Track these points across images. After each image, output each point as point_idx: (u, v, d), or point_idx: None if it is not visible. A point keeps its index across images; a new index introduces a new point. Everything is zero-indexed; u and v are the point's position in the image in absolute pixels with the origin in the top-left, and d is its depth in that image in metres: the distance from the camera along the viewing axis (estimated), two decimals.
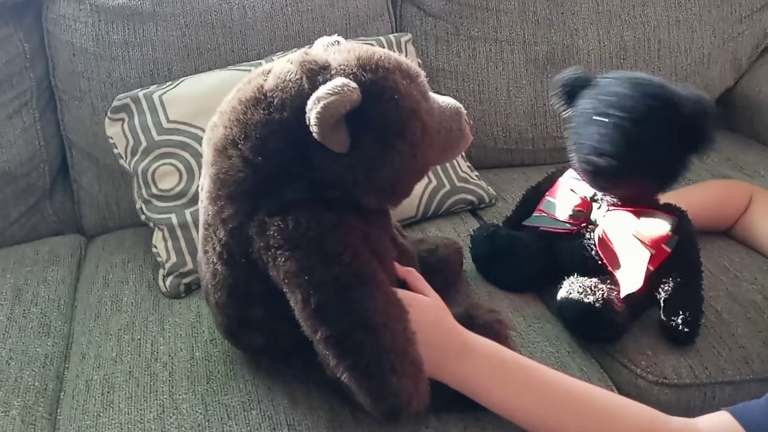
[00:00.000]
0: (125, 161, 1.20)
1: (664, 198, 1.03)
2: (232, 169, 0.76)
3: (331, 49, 0.78)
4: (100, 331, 1.03)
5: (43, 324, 1.07)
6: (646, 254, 0.95)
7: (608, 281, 0.98)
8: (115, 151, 1.21)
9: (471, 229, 1.15)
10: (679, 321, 0.96)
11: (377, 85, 0.73)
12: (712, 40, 1.56)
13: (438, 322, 0.81)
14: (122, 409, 0.88)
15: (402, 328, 0.74)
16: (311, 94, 0.70)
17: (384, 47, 1.33)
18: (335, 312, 0.72)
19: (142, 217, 1.19)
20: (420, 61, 1.44)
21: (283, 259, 0.73)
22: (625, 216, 0.98)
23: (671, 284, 0.97)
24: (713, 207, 1.19)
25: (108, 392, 0.91)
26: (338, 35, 0.85)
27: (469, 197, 1.31)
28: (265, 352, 0.89)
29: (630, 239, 0.96)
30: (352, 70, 0.73)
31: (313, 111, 0.69)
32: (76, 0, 1.30)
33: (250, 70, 1.21)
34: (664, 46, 1.52)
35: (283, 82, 0.74)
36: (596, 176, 0.96)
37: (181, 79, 1.24)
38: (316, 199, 0.75)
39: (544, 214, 1.07)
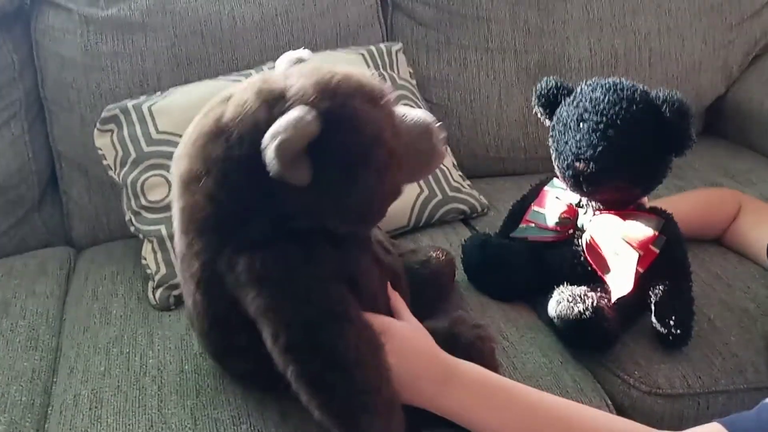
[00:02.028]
0: (114, 172, 1.19)
1: (654, 205, 1.03)
2: (197, 205, 0.74)
3: (291, 72, 0.75)
4: (89, 345, 1.02)
5: (30, 338, 1.06)
6: (634, 255, 0.95)
7: (598, 289, 0.98)
8: (105, 162, 1.20)
9: (463, 239, 1.15)
10: (671, 323, 0.96)
11: (336, 114, 0.69)
12: (702, 48, 1.56)
13: (418, 350, 0.79)
14: (110, 424, 0.87)
15: (375, 365, 0.72)
16: (268, 127, 0.67)
17: (375, 56, 1.34)
18: (305, 351, 0.70)
19: (132, 228, 1.18)
20: (411, 70, 1.44)
21: (252, 296, 0.72)
22: (611, 219, 0.98)
23: (660, 287, 0.97)
24: (702, 215, 1.19)
25: (96, 407, 0.90)
26: (305, 49, 0.83)
27: (461, 207, 1.31)
28: (251, 378, 0.87)
29: (618, 242, 0.96)
30: (309, 98, 0.69)
31: (269, 148, 0.66)
32: (65, 11, 1.30)
33: (240, 80, 1.21)
34: (654, 54, 1.53)
35: (240, 114, 0.71)
36: (579, 182, 0.96)
37: (170, 90, 1.24)
38: (284, 231, 0.73)
39: (531, 224, 1.07)
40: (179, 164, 0.77)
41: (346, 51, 1.35)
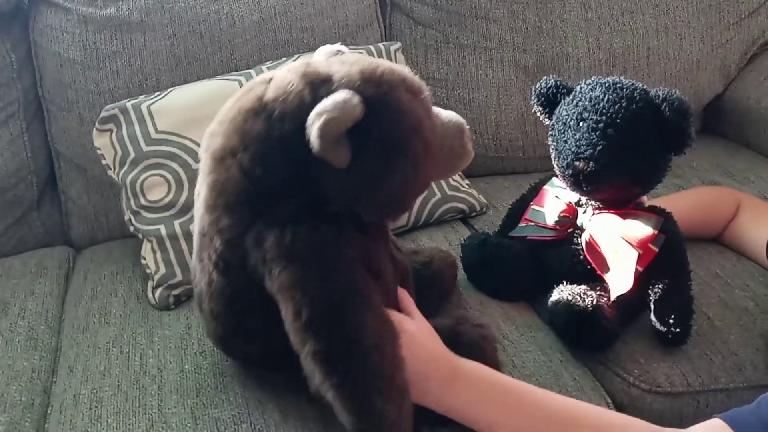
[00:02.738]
0: (113, 172, 1.19)
1: (653, 203, 1.03)
2: (230, 180, 0.75)
3: (334, 60, 0.76)
4: (88, 345, 1.02)
5: (30, 338, 1.06)
6: (634, 254, 0.95)
7: (598, 287, 0.98)
8: (104, 162, 1.20)
9: (462, 238, 1.15)
10: (670, 322, 0.96)
11: (380, 101, 0.71)
12: (700, 47, 1.56)
13: (426, 350, 0.79)
14: (110, 423, 0.87)
15: (391, 352, 0.73)
16: (312, 107, 0.68)
17: (374, 56, 1.33)
18: (326, 327, 0.70)
19: (131, 228, 1.18)
20: (410, 69, 1.44)
21: (278, 270, 0.72)
22: (610, 218, 0.98)
23: (660, 286, 0.97)
24: (702, 213, 1.19)
25: (96, 407, 0.90)
26: (341, 44, 0.85)
27: (460, 206, 1.31)
28: (259, 362, 0.87)
29: (617, 241, 0.96)
30: (355, 83, 0.71)
31: (314, 126, 0.67)
32: (63, 10, 1.30)
33: (239, 80, 1.22)
34: (653, 53, 1.53)
35: (284, 93, 0.72)
36: (579, 181, 0.96)
37: (169, 90, 1.23)
38: (315, 213, 0.74)
39: (530, 223, 1.08)
40: (213, 140, 0.77)
41: (357, 54, 1.35)
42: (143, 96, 1.22)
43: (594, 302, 0.94)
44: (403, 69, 0.77)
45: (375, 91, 0.71)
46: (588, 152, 0.93)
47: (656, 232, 0.96)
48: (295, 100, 0.72)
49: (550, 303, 0.99)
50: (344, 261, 0.73)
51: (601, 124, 0.92)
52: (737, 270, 1.13)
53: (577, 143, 0.94)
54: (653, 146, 0.94)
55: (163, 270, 1.11)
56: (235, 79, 1.23)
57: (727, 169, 1.46)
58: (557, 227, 1.04)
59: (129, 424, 0.87)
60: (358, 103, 0.68)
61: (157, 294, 1.10)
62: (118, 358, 0.98)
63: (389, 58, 1.36)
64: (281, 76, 0.75)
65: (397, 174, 0.72)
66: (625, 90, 0.94)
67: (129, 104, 1.19)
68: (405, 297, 0.85)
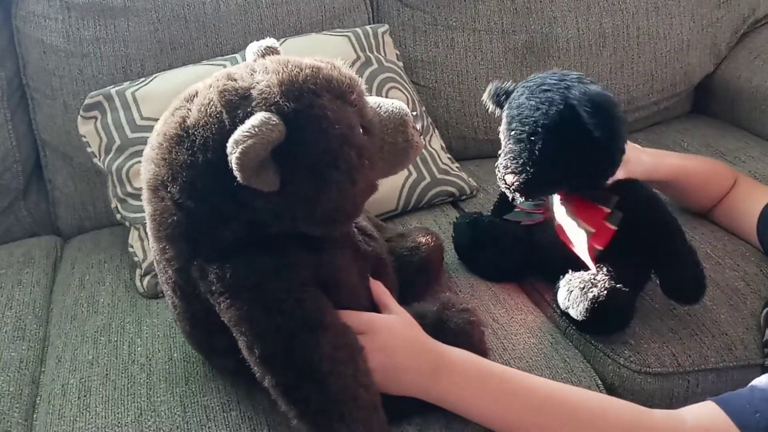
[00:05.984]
0: (99, 160, 1.18)
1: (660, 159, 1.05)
2: (166, 212, 0.73)
3: (259, 65, 0.72)
4: (77, 334, 1.02)
5: (17, 328, 1.05)
6: (583, 234, 0.94)
7: (604, 268, 0.95)
8: (89, 149, 1.19)
9: (454, 217, 1.14)
10: (680, 287, 0.96)
11: (302, 115, 0.67)
12: (691, 26, 1.55)
13: (407, 343, 0.78)
14: (99, 413, 0.87)
15: (353, 372, 0.71)
16: (232, 132, 0.65)
17: (361, 39, 1.32)
18: (280, 362, 0.70)
19: (118, 216, 1.17)
20: (398, 52, 1.43)
21: (224, 305, 0.71)
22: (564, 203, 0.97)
23: (653, 256, 0.96)
24: (700, 182, 1.17)
25: (85, 396, 0.90)
26: (271, 38, 0.81)
27: (450, 189, 1.30)
28: (239, 375, 0.85)
29: (571, 222, 0.95)
30: (274, 98, 0.67)
31: (232, 156, 0.64)
32: None
33: (224, 65, 1.20)
34: (643, 32, 1.51)
35: (204, 117, 0.69)
36: (513, 193, 0.94)
37: (154, 75, 1.22)
38: (255, 238, 0.72)
39: (519, 209, 1.07)
40: (147, 167, 0.75)
41: (331, 34, 1.34)
42: (128, 82, 1.21)
43: (606, 285, 0.92)
44: (330, 69, 0.72)
45: (295, 105, 0.67)
46: (514, 166, 0.91)
47: (607, 210, 0.93)
48: (214, 125, 0.68)
49: (560, 295, 0.96)
50: (290, 289, 0.71)
51: (524, 135, 0.89)
52: (728, 249, 1.13)
53: (506, 156, 0.92)
54: (583, 147, 0.87)
55: (150, 258, 1.10)
56: (220, 64, 1.22)
57: (717, 149, 1.45)
58: (536, 210, 1.04)
59: (118, 413, 0.86)
60: (277, 124, 0.65)
61: (145, 282, 1.09)
62: (106, 347, 0.98)
63: (377, 41, 1.35)
64: (202, 95, 0.71)
65: (332, 188, 0.69)
66: (547, 93, 0.88)
67: (113, 91, 1.18)
68: (379, 289, 0.84)
